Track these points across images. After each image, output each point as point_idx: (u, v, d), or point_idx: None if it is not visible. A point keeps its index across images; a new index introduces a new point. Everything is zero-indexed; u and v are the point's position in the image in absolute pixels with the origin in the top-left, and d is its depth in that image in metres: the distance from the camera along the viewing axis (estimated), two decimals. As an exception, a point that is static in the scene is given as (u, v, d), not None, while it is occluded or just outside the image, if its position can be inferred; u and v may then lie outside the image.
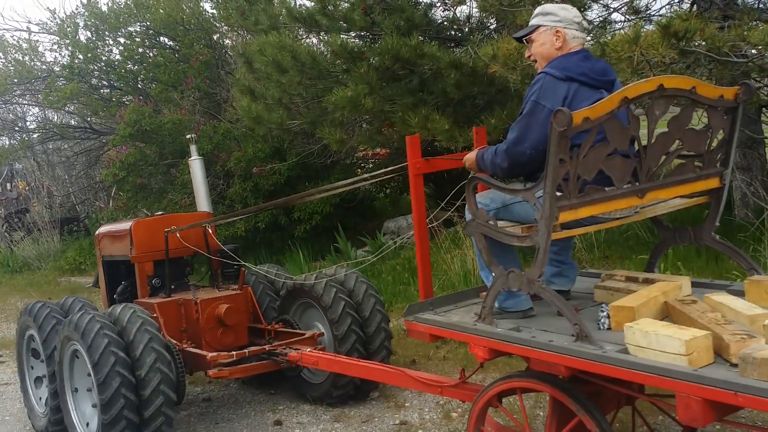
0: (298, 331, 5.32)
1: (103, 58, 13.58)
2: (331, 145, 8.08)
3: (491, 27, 8.17)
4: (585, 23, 3.49)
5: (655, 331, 2.73)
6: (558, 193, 2.98)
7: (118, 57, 13.54)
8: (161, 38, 13.50)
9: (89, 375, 4.59)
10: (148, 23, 13.15)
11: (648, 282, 3.36)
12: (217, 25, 12.72)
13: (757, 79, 6.27)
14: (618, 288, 3.43)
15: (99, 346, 4.43)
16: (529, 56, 3.57)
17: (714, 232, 3.56)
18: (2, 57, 14.67)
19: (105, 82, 14.21)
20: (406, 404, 5.15)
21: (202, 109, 11.66)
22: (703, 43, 5.06)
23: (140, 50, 13.34)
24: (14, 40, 14.69)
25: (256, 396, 5.79)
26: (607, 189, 3.14)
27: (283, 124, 8.23)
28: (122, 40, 13.46)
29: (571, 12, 3.48)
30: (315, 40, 9.33)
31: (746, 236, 6.34)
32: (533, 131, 3.26)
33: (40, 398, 5.46)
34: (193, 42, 12.41)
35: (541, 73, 3.35)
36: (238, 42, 11.82)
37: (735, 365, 2.57)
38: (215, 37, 12.92)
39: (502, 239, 3.26)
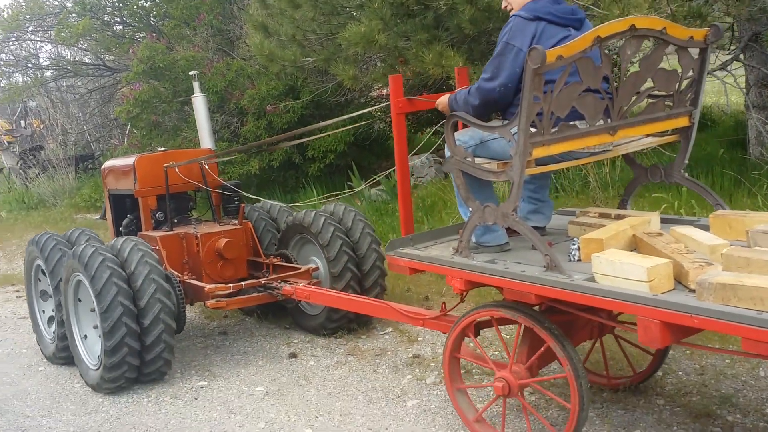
0: (294, 265, 5.59)
1: (115, -6, 13.48)
2: (344, 83, 8.05)
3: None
4: None
5: (619, 260, 2.93)
6: (532, 130, 3.15)
7: (130, -8, 13.43)
8: (173, -27, 13.34)
9: (93, 310, 4.87)
10: (160, -42, 13.00)
11: (620, 218, 3.55)
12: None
13: (778, 15, 6.17)
14: (590, 224, 3.62)
15: (101, 278, 4.70)
16: (505, 7, 3.74)
17: (683, 169, 3.75)
18: (15, -8, 14.58)
19: (117, 19, 14.15)
20: (419, 339, 5.30)
21: (215, 46, 11.62)
22: (723, -23, 4.98)
23: (152, -15, 13.22)
24: (25, -25, 14.52)
25: (271, 330, 5.95)
26: (579, 126, 3.31)
27: (296, 61, 8.22)
28: (134, -25, 13.34)
29: None
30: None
31: (760, 174, 6.34)
32: (504, 69, 3.46)
33: (53, 331, 5.73)
34: (205, -24, 12.26)
35: (512, 15, 3.55)
36: (252, -23, 11.67)
37: (693, 291, 2.78)
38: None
39: (479, 175, 3.47)
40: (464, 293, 3.65)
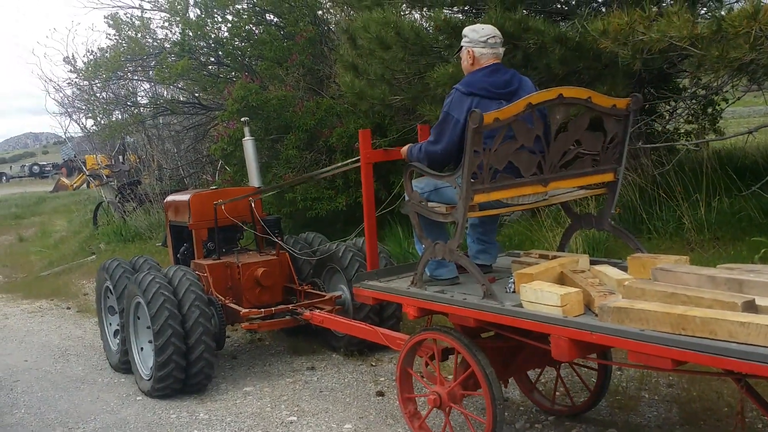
0: (321, 293, 6.46)
1: (212, 36, 14.13)
2: (430, 122, 8.17)
3: (599, 0, 8.02)
4: (498, 39, 4.32)
5: (541, 289, 3.62)
6: (473, 179, 3.82)
7: (226, 34, 14.03)
8: (267, 15, 13.86)
9: (148, 328, 5.84)
10: (255, 0, 13.49)
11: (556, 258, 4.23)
12: (322, 1, 12.98)
13: None
14: (530, 263, 4.21)
15: (156, 303, 5.66)
16: None
17: (610, 218, 4.36)
18: (116, 34, 15.42)
19: (213, 59, 14.79)
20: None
21: (306, 86, 12.00)
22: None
23: (247, 27, 13.76)
24: (127, 17, 15.37)
25: (358, 367, 6.13)
26: (517, 179, 3.96)
27: (385, 100, 8.53)
28: (230, 18, 13.94)
29: (479, 32, 4.32)
30: (417, 16, 9.39)
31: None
32: (445, 136, 4.19)
33: (117, 342, 6.82)
34: (298, 19, 12.79)
35: (453, 88, 4.29)
36: (342, 18, 12.03)
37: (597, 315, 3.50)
38: (319, 14, 13.16)
39: (431, 216, 4.20)
40: (430, 319, 4.49)
